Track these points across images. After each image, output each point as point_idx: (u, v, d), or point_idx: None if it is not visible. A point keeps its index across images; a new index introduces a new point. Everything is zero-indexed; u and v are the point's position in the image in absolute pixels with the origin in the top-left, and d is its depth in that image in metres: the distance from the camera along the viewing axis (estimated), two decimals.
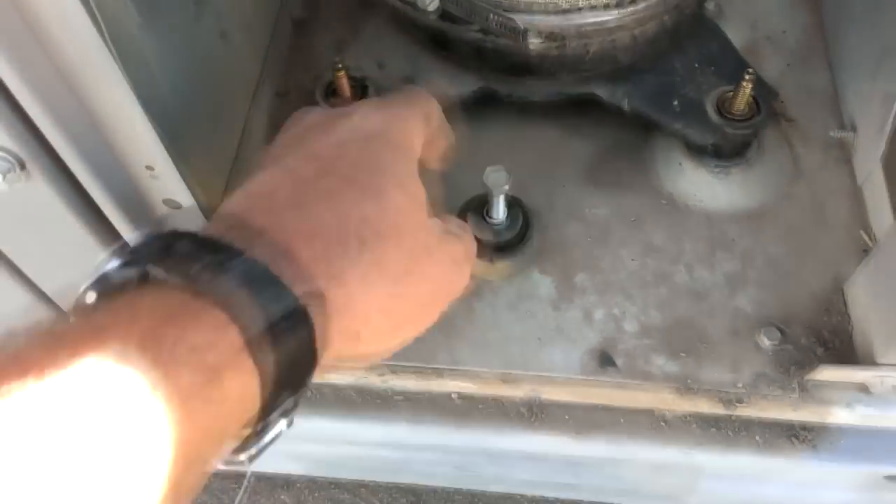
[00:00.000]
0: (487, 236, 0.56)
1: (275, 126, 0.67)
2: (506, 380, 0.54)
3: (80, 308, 0.28)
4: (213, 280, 0.27)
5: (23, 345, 0.24)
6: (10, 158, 0.38)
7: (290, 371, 0.28)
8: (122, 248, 0.31)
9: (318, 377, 0.30)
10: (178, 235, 0.29)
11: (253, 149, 0.64)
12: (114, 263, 0.29)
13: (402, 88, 0.46)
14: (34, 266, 0.46)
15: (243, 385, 0.27)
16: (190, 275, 0.27)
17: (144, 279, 0.28)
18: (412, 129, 0.38)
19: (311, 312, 0.29)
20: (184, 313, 0.26)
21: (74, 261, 0.45)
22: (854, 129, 0.63)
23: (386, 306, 0.34)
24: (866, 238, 0.59)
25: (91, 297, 0.28)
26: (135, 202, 0.42)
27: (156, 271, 0.28)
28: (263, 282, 0.28)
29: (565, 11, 0.55)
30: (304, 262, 0.30)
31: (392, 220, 0.34)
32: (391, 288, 0.34)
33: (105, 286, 0.28)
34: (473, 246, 0.41)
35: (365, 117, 0.37)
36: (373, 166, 0.35)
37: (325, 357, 0.30)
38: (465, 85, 0.63)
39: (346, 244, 0.32)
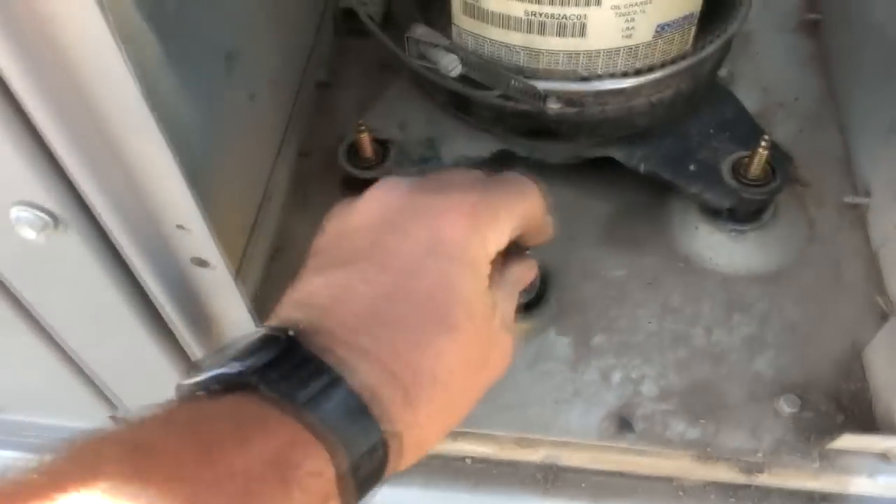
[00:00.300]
0: None
1: (298, 184, 0.69)
2: (521, 444, 0.54)
3: (188, 398, 0.31)
4: (319, 408, 0.30)
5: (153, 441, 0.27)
6: (44, 216, 0.39)
7: (358, 496, 0.31)
8: (235, 350, 0.33)
9: None
10: (287, 347, 0.32)
11: (275, 205, 0.65)
12: (226, 370, 0.31)
13: (505, 175, 0.41)
14: (60, 321, 0.47)
15: None
16: (300, 401, 0.30)
17: (252, 385, 0.30)
18: (491, 241, 0.38)
19: (389, 449, 0.32)
20: (299, 442, 0.29)
21: (100, 317, 0.46)
22: (868, 194, 0.64)
23: (447, 425, 0.37)
24: (883, 304, 0.59)
25: (197, 393, 0.31)
26: (163, 260, 0.43)
27: (267, 389, 0.30)
28: (358, 416, 0.31)
29: (584, 78, 0.57)
30: (386, 397, 0.32)
31: (463, 351, 0.35)
32: (455, 410, 0.37)
33: (215, 386, 0.31)
34: (518, 333, 0.43)
35: (450, 227, 0.36)
36: (449, 291, 0.35)
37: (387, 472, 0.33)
38: (485, 147, 0.65)
39: (421, 383, 0.33)
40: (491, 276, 0.38)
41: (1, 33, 0.31)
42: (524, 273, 0.44)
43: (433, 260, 0.36)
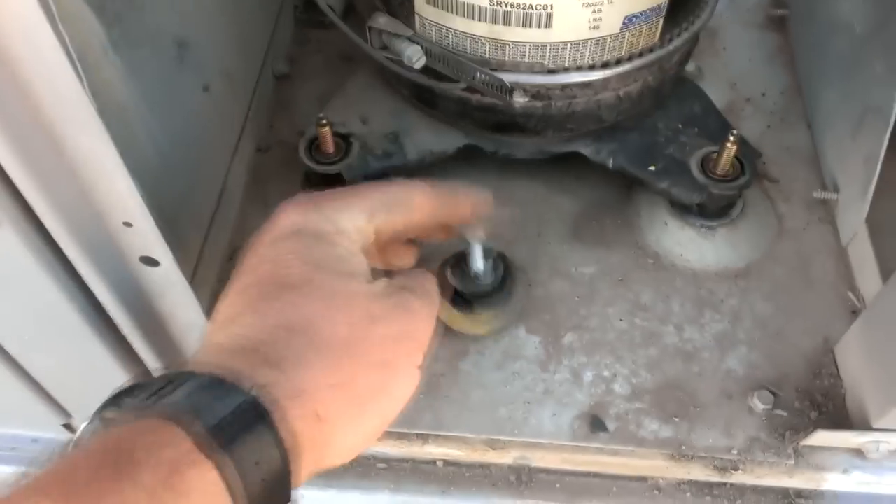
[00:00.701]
0: (469, 287, 0.54)
1: (257, 180, 0.66)
2: (493, 446, 0.52)
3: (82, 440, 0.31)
4: (164, 399, 0.30)
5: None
6: None
7: (256, 457, 0.29)
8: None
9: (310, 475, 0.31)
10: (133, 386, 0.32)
11: (233, 202, 0.63)
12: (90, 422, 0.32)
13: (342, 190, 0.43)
14: (3, 328, 0.44)
15: (204, 476, 0.28)
16: (147, 401, 0.30)
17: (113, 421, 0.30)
18: (343, 219, 0.39)
19: (262, 403, 0.30)
20: (138, 432, 0.28)
21: (46, 323, 0.43)
22: (836, 189, 0.64)
23: (335, 380, 0.33)
24: (854, 299, 0.59)
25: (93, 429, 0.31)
26: (110, 259, 0.40)
27: (109, 413, 0.31)
28: (211, 388, 0.30)
29: (551, 71, 0.55)
30: (240, 363, 0.31)
31: (317, 301, 0.35)
32: (333, 360, 0.33)
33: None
34: (432, 290, 0.40)
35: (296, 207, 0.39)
36: (292, 262, 0.36)
37: (304, 455, 0.31)
38: (450, 142, 0.63)
39: (275, 338, 0.33)
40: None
41: None
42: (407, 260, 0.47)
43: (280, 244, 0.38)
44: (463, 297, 0.54)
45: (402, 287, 0.38)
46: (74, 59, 0.34)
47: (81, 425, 0.32)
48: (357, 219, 0.39)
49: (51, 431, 0.55)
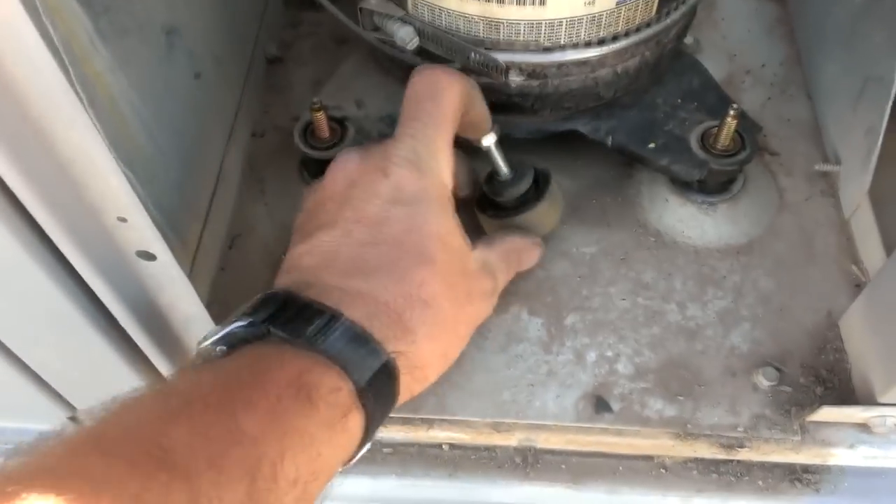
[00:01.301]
0: (508, 192, 0.56)
1: (253, 167, 0.65)
2: (498, 428, 0.52)
3: (210, 358, 0.37)
4: (326, 341, 0.36)
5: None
6: None
7: (380, 411, 0.37)
8: (240, 312, 0.39)
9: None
10: (285, 300, 0.38)
11: (230, 190, 0.62)
12: (239, 323, 0.37)
13: (417, 79, 0.49)
14: (1, 324, 0.44)
15: (357, 422, 0.36)
16: (307, 336, 0.36)
17: (264, 337, 0.36)
18: (441, 170, 0.45)
19: (397, 367, 0.38)
20: (314, 367, 0.35)
21: (44, 318, 0.42)
22: (838, 161, 0.63)
23: (443, 349, 0.43)
24: (857, 272, 0.58)
25: (221, 350, 0.37)
26: (106, 255, 0.40)
27: (277, 332, 0.36)
28: (362, 342, 0.37)
29: (547, 49, 0.54)
30: (385, 324, 0.38)
31: (442, 279, 0.41)
32: (445, 337, 0.43)
33: (232, 341, 0.37)
34: (503, 275, 0.50)
35: (404, 178, 0.43)
36: (419, 230, 0.42)
37: (401, 398, 0.40)
38: None
39: (412, 307, 0.40)
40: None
41: None
42: (516, 245, 0.54)
43: (400, 209, 0.42)
44: (506, 206, 0.57)
45: (490, 263, 0.47)
46: (60, 53, 0.33)
47: (210, 337, 0.37)
48: (448, 159, 0.46)
49: (55, 424, 0.55)
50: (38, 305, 0.42)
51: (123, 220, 0.38)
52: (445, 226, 0.43)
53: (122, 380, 0.49)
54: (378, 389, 0.36)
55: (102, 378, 0.49)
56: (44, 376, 0.49)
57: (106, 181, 0.36)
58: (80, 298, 0.42)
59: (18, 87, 0.33)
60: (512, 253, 0.52)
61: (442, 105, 0.47)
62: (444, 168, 0.45)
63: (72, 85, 0.34)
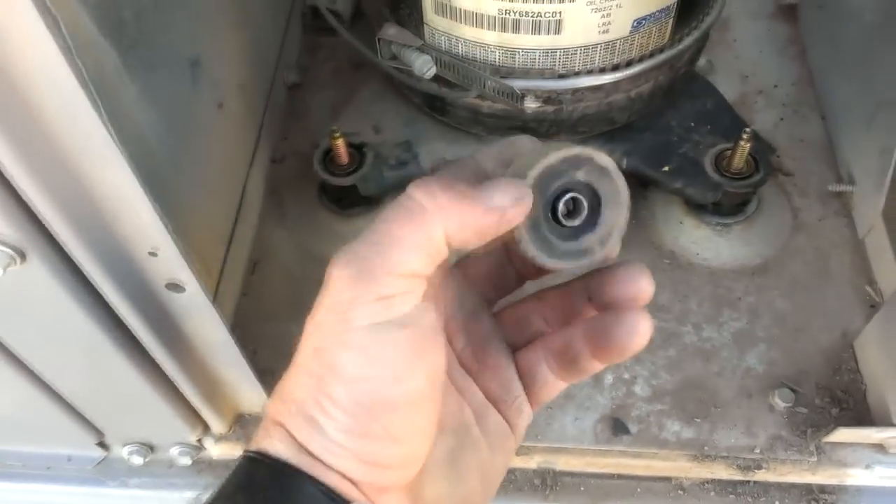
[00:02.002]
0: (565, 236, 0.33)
1: (273, 192, 0.67)
2: (517, 451, 0.53)
3: None
4: None
5: None
6: (9, 251, 0.37)
7: None
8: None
9: None
10: (256, 464, 0.31)
11: (251, 216, 0.63)
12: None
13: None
14: (35, 354, 0.45)
15: None
16: None
17: None
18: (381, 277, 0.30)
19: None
20: None
21: (76, 348, 0.44)
22: (852, 182, 0.64)
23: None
24: (872, 293, 0.59)
25: None
26: (137, 287, 0.41)
27: None
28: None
29: (562, 76, 0.55)
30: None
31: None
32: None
33: None
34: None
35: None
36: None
37: None
38: (463, 148, 0.63)
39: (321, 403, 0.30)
40: None
41: None
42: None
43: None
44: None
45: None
46: (92, 91, 0.34)
47: None
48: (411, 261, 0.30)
49: (85, 449, 0.56)
50: (70, 334, 0.43)
51: (154, 253, 0.39)
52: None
53: (150, 405, 0.50)
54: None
55: (130, 404, 0.50)
56: (73, 403, 0.51)
57: (138, 216, 0.37)
58: (110, 328, 0.43)
59: (54, 125, 0.34)
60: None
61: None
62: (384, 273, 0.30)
63: (103, 123, 0.35)
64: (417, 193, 0.30)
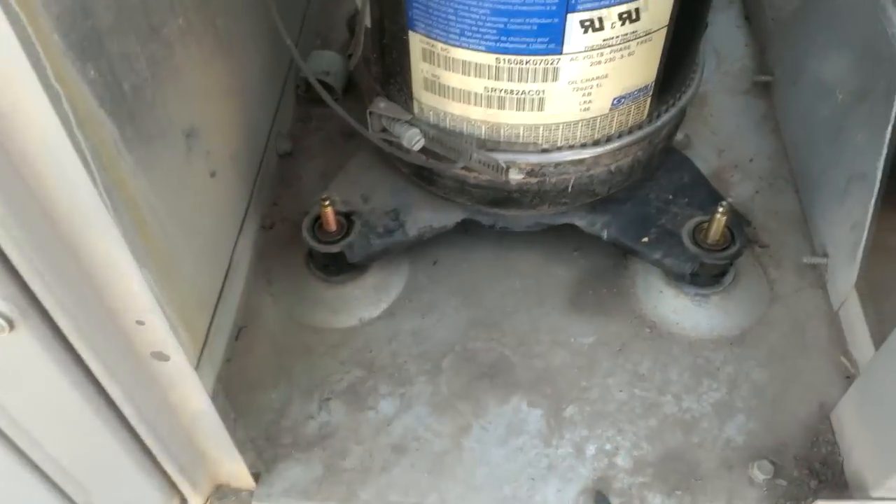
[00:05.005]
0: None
1: (262, 258, 0.67)
2: None
3: None
4: None
5: None
6: None
7: None
8: None
9: None
10: None
11: (238, 282, 0.64)
12: None
13: None
14: (14, 423, 0.45)
15: None
16: None
17: None
18: None
19: None
20: None
21: (56, 417, 0.44)
22: (826, 254, 0.65)
23: None
24: (847, 364, 0.60)
25: None
26: (121, 356, 0.41)
27: None
28: None
29: (545, 150, 0.57)
30: None
31: None
32: None
33: None
34: None
35: None
36: None
37: None
38: (449, 217, 0.65)
39: None
40: None
41: None
42: None
43: None
44: None
45: None
46: (90, 162, 0.35)
47: None
48: None
49: None
50: (52, 404, 0.43)
51: (141, 322, 0.40)
52: None
53: (127, 476, 0.49)
54: None
55: (107, 474, 0.49)
56: (49, 473, 0.50)
57: (128, 285, 0.38)
58: (92, 398, 0.43)
59: (51, 196, 0.35)
60: None
61: None
62: None
63: (100, 194, 0.36)
64: None
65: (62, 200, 0.36)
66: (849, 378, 0.59)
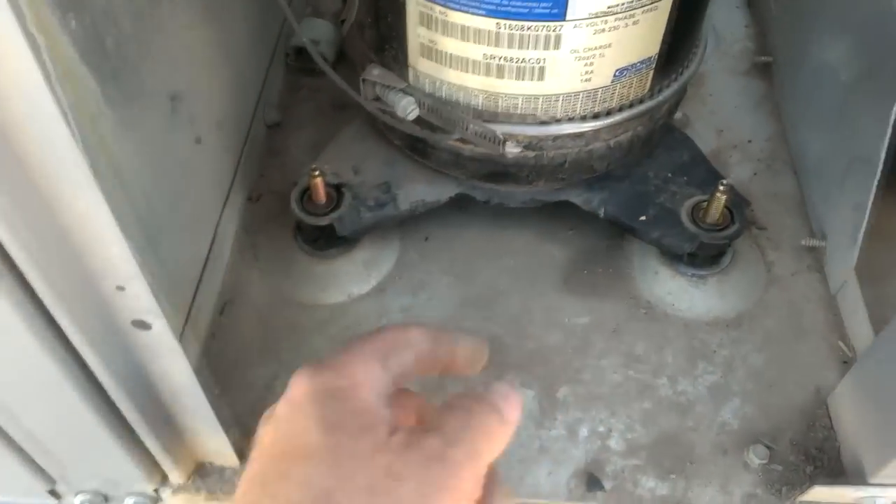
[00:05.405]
0: None
1: (248, 231, 0.65)
2: None
3: None
4: None
5: None
6: None
7: None
8: None
9: None
10: None
11: (223, 255, 0.62)
12: None
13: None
14: None
15: None
16: None
17: None
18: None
19: None
20: None
21: (31, 387, 0.42)
22: (824, 237, 0.64)
23: None
24: (845, 348, 0.59)
25: None
26: (101, 324, 0.39)
27: None
28: None
29: (543, 122, 0.56)
30: None
31: (335, 470, 0.30)
32: None
33: None
34: (469, 427, 0.32)
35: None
36: (326, 428, 0.31)
37: None
38: (443, 191, 0.63)
39: None
40: None
41: None
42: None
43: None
44: None
45: (429, 432, 0.32)
46: (70, 120, 0.33)
47: None
48: (371, 367, 0.33)
49: (35, 498, 0.53)
50: (28, 374, 0.41)
51: (122, 288, 0.38)
52: (341, 408, 0.33)
53: (106, 452, 0.48)
54: None
55: (86, 449, 0.48)
56: (25, 446, 0.48)
57: (108, 249, 0.36)
58: (69, 366, 0.41)
59: (29, 153, 0.33)
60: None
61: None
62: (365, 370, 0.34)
63: (80, 150, 0.34)
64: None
65: (41, 156, 0.34)
66: (846, 363, 0.58)
